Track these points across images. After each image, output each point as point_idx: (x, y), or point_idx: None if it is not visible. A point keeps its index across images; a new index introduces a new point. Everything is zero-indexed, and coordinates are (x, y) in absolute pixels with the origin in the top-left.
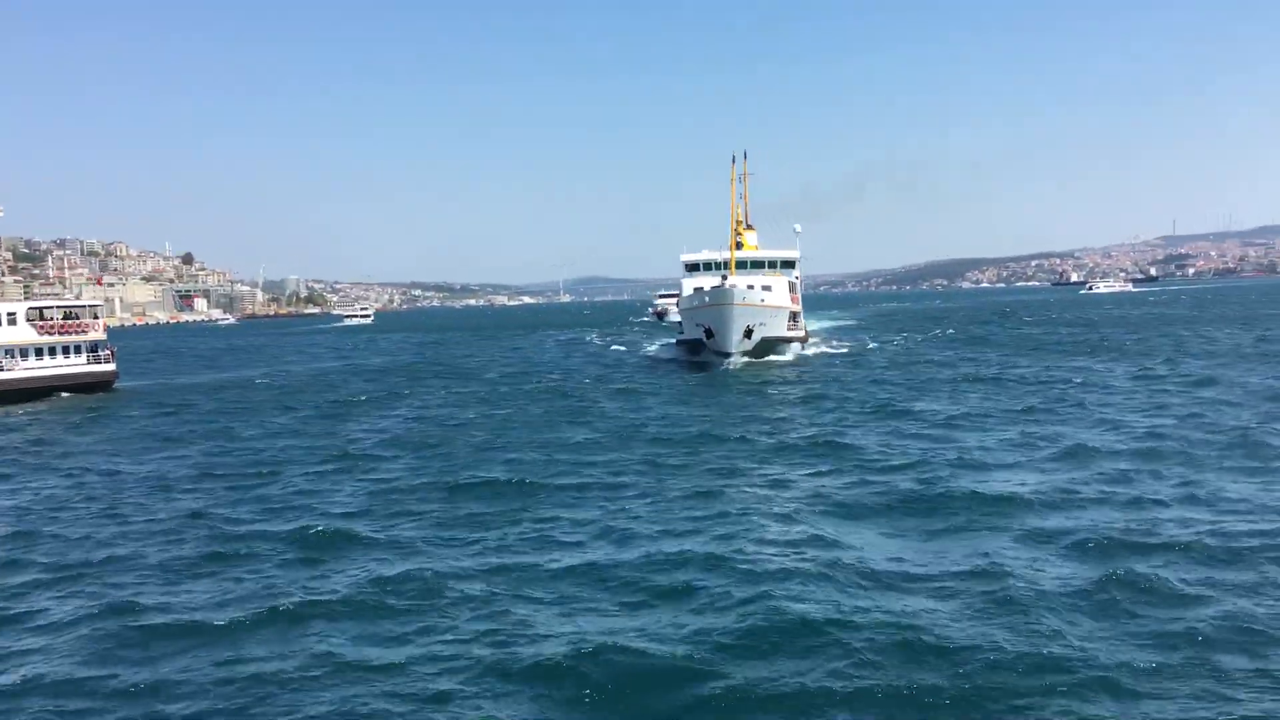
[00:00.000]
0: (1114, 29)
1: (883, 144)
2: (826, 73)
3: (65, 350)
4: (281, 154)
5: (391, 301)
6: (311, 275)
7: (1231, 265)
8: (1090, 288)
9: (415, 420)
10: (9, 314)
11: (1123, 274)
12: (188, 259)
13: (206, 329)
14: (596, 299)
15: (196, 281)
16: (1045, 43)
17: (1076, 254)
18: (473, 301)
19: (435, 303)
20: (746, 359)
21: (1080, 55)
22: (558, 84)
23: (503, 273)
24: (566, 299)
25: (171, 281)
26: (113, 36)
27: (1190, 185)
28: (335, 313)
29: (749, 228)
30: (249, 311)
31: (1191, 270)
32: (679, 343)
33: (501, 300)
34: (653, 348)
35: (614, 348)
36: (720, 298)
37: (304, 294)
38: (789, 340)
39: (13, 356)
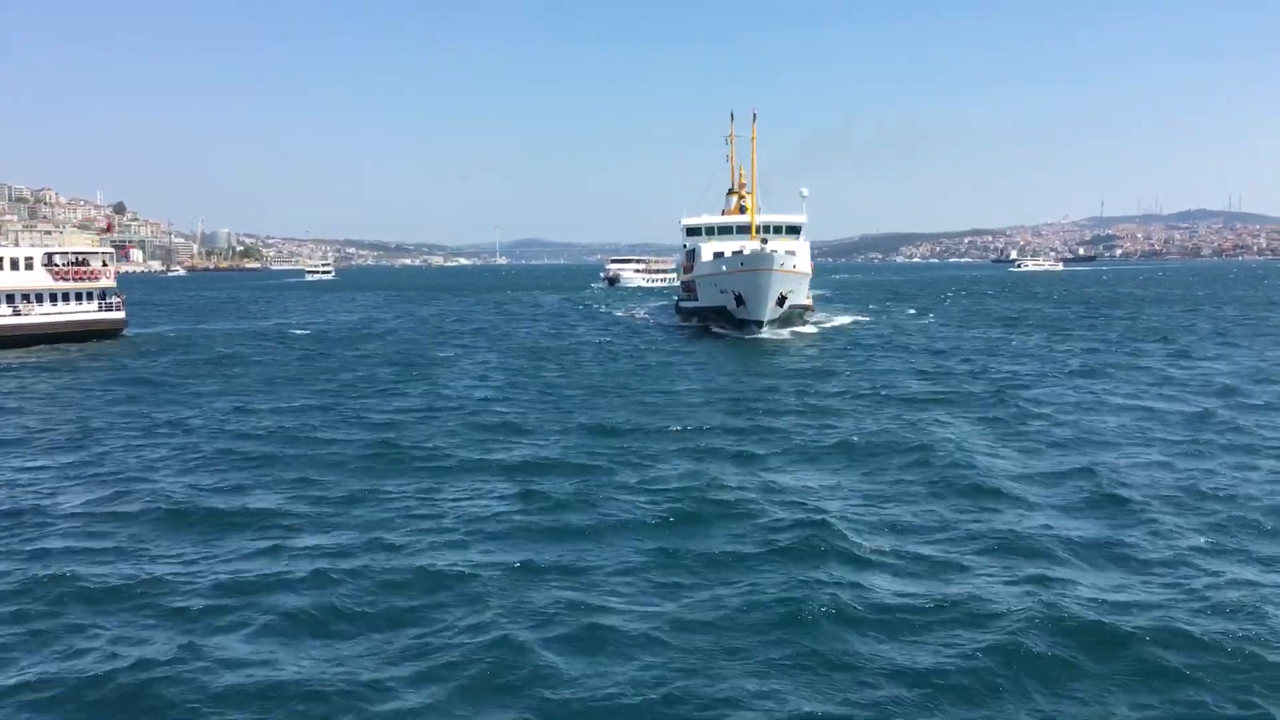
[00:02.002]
0: (1047, 10)
1: (823, 116)
2: (760, 43)
3: (78, 296)
4: (210, 107)
5: (326, 258)
6: (242, 229)
7: (1157, 248)
8: (1019, 265)
9: (548, 375)
10: (26, 258)
11: (1053, 253)
12: (120, 208)
13: (159, 280)
14: (533, 262)
15: (130, 232)
16: (981, 22)
17: (1008, 232)
18: (408, 261)
19: (370, 261)
20: (774, 328)
21: (1012, 37)
22: (492, 45)
23: (437, 232)
24: (503, 261)
25: (104, 232)
26: None
27: (1118, 168)
28: (275, 268)
29: (733, 193)
30: (188, 264)
31: (1119, 251)
32: (690, 310)
33: (438, 261)
34: (645, 313)
35: (615, 313)
36: (758, 262)
37: (239, 248)
38: (807, 309)
39: (29, 301)
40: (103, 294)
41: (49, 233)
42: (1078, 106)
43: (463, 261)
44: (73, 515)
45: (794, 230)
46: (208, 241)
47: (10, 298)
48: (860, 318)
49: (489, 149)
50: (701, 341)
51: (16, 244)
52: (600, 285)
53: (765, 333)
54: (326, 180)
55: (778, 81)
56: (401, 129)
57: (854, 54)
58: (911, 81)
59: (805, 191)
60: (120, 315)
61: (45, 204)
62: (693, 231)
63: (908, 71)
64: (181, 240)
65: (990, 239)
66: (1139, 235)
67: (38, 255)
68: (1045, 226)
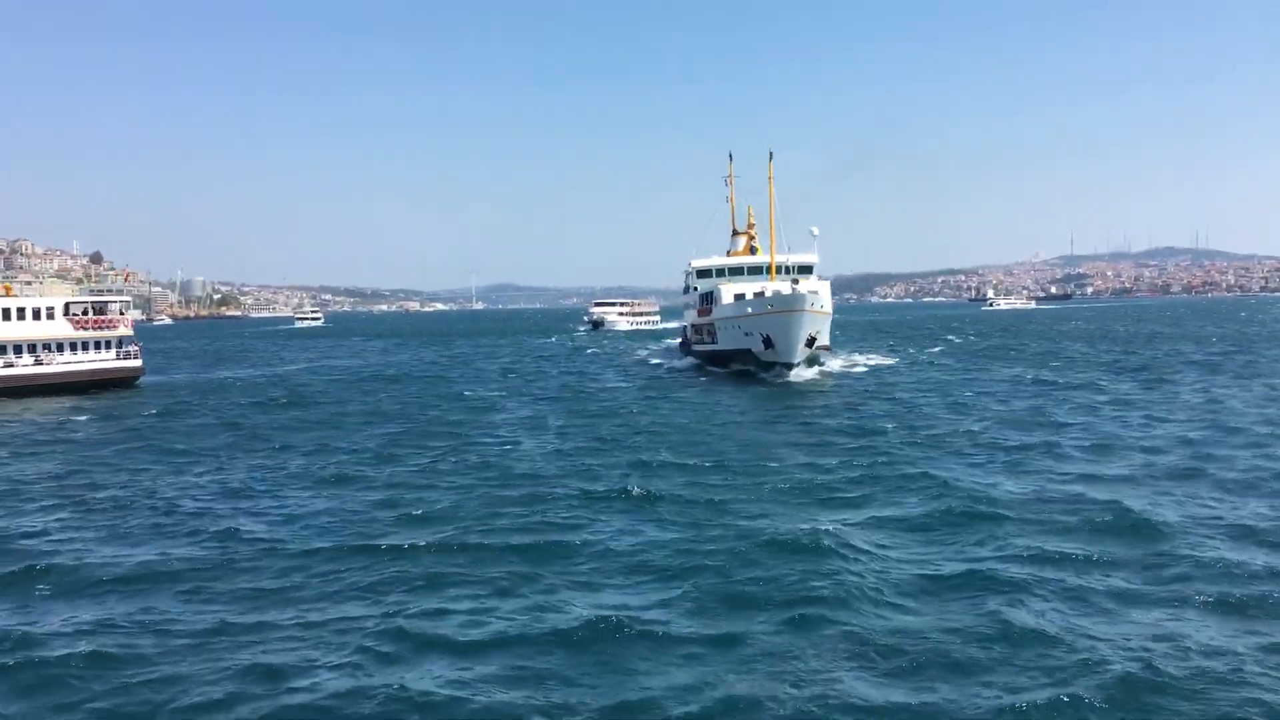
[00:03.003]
0: (1020, 39)
1: (800, 153)
2: (723, 87)
3: (97, 345)
4: (179, 155)
5: (302, 305)
6: (217, 277)
7: (1127, 285)
8: (991, 304)
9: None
10: (48, 308)
11: (1025, 291)
12: (96, 258)
13: (145, 330)
14: (509, 306)
15: (107, 281)
16: (948, 48)
17: (981, 271)
18: (385, 307)
19: (347, 307)
20: (799, 370)
21: (979, 63)
22: (464, 91)
23: (412, 278)
24: (479, 306)
25: (80, 281)
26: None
27: (1087, 205)
28: (254, 315)
29: (740, 233)
30: (168, 312)
31: (1090, 289)
32: (708, 354)
33: (414, 306)
34: (660, 358)
35: (620, 357)
36: (789, 303)
37: (216, 296)
38: (826, 349)
39: (50, 351)
40: (120, 342)
41: (29, 283)
42: (1045, 137)
43: (439, 306)
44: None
45: (807, 270)
46: (184, 290)
47: (32, 347)
48: (883, 359)
49: (462, 194)
50: (737, 385)
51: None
52: (584, 329)
53: (794, 375)
54: (299, 226)
55: (758, 119)
56: (373, 175)
57: (827, 87)
58: (873, 109)
59: (815, 230)
60: (138, 363)
61: (21, 254)
62: (703, 274)
63: (865, 100)
64: (159, 289)
65: (963, 278)
66: (1109, 273)
67: (59, 304)
68: (1017, 265)
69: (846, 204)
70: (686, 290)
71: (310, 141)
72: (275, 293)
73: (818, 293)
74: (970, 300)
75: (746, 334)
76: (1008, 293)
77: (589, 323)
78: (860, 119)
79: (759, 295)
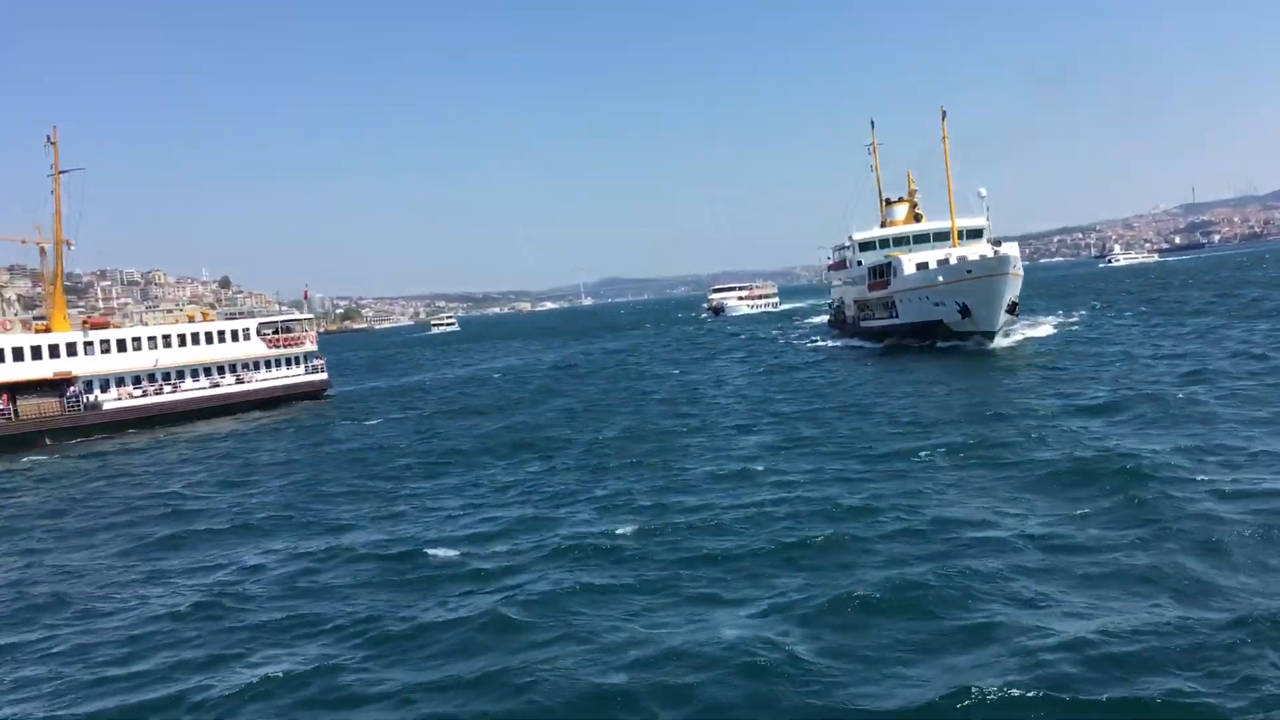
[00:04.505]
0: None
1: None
2: (827, 62)
3: (288, 362)
4: (282, 175)
5: (418, 314)
6: (334, 293)
7: (1257, 230)
8: (1110, 261)
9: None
10: (244, 330)
11: (1147, 244)
12: (224, 283)
13: None
14: (617, 300)
15: (235, 304)
16: (1054, 15)
17: (1098, 226)
18: (497, 310)
19: (461, 313)
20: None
21: (1092, 24)
22: (559, 99)
23: (520, 279)
24: (589, 302)
25: (213, 306)
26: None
27: (1208, 151)
28: (378, 327)
29: (900, 200)
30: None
31: (1216, 237)
32: (882, 330)
33: (525, 307)
34: (818, 338)
35: (779, 340)
36: (993, 268)
37: (338, 311)
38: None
39: (248, 369)
40: (306, 357)
41: (169, 311)
42: (1164, 89)
43: (549, 305)
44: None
45: (976, 234)
46: (299, 307)
47: (233, 367)
48: (1063, 320)
49: (564, 191)
50: (944, 360)
51: (142, 323)
52: (705, 315)
53: (997, 344)
54: (406, 237)
55: (886, 92)
56: (475, 181)
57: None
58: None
59: (983, 191)
60: (324, 376)
61: (155, 284)
62: (867, 246)
63: (976, 77)
64: (284, 308)
65: (1080, 236)
66: (1235, 219)
67: (253, 326)
68: (1136, 218)
69: (968, 166)
70: (845, 264)
71: (414, 153)
72: (391, 304)
73: (1017, 256)
74: (1095, 258)
75: (937, 304)
76: (1128, 246)
77: (708, 309)
78: (976, 83)
79: (947, 262)
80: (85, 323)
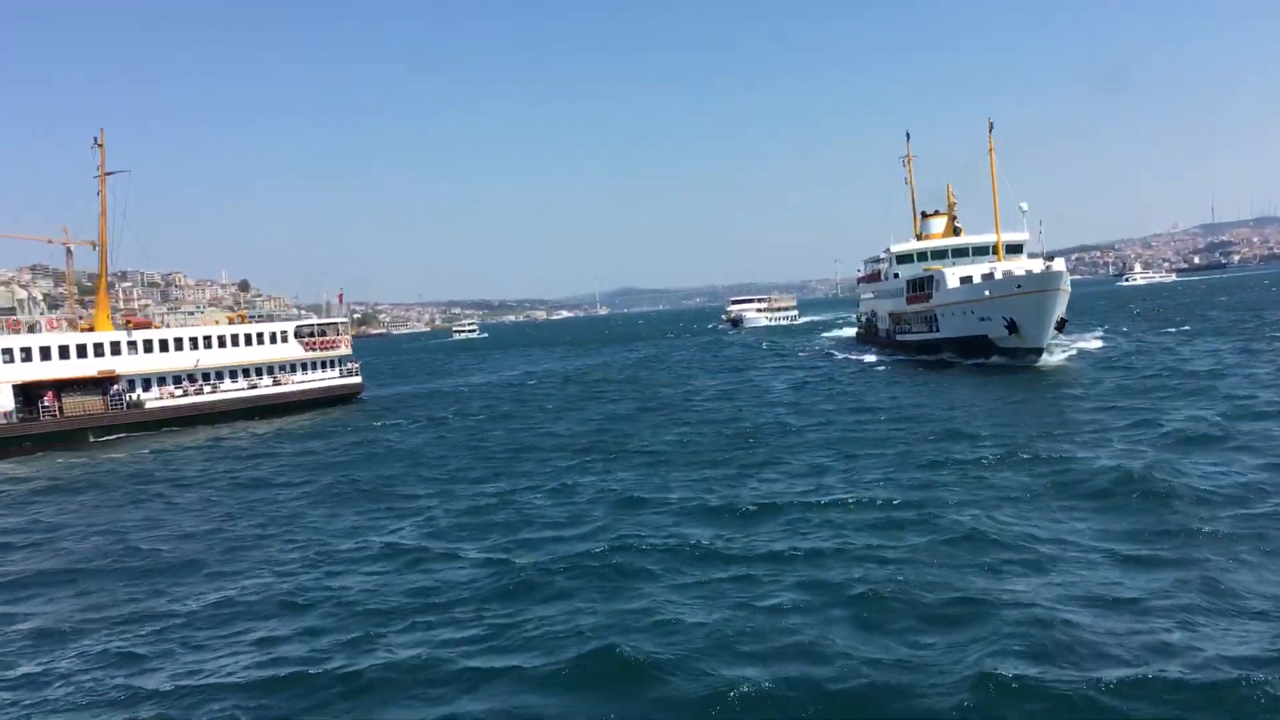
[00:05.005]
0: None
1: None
2: (844, 82)
3: (323, 365)
4: (298, 180)
5: (434, 321)
6: (351, 298)
7: (1277, 251)
8: (1128, 280)
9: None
10: (281, 333)
11: (1165, 264)
12: (244, 286)
13: None
14: (633, 309)
15: (254, 307)
16: (1060, 33)
17: (1116, 245)
18: (512, 318)
19: (469, 321)
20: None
21: (1103, 43)
22: (575, 104)
23: (535, 287)
24: (604, 312)
25: (231, 308)
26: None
27: (1227, 170)
28: (396, 332)
29: (938, 213)
30: None
31: (1236, 257)
32: (923, 344)
33: (541, 315)
34: (846, 352)
35: (799, 352)
36: (1044, 283)
37: (355, 316)
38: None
39: (286, 371)
40: (342, 360)
41: (192, 313)
42: (1182, 107)
43: (565, 314)
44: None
45: (1017, 249)
46: (317, 312)
47: (270, 369)
48: (1102, 340)
49: (580, 199)
50: (998, 377)
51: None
52: (723, 326)
53: (1042, 361)
54: (421, 243)
55: (916, 109)
56: (493, 187)
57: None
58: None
59: (1025, 206)
60: (358, 380)
61: (176, 286)
62: (904, 259)
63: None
64: (303, 312)
65: (1099, 254)
66: (1254, 239)
67: (290, 329)
68: (1154, 237)
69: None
70: (879, 277)
71: (430, 157)
72: (408, 309)
73: (1065, 272)
74: (1113, 276)
75: (983, 319)
76: (1147, 266)
77: (727, 321)
78: (991, 99)
79: (992, 276)
80: (128, 323)
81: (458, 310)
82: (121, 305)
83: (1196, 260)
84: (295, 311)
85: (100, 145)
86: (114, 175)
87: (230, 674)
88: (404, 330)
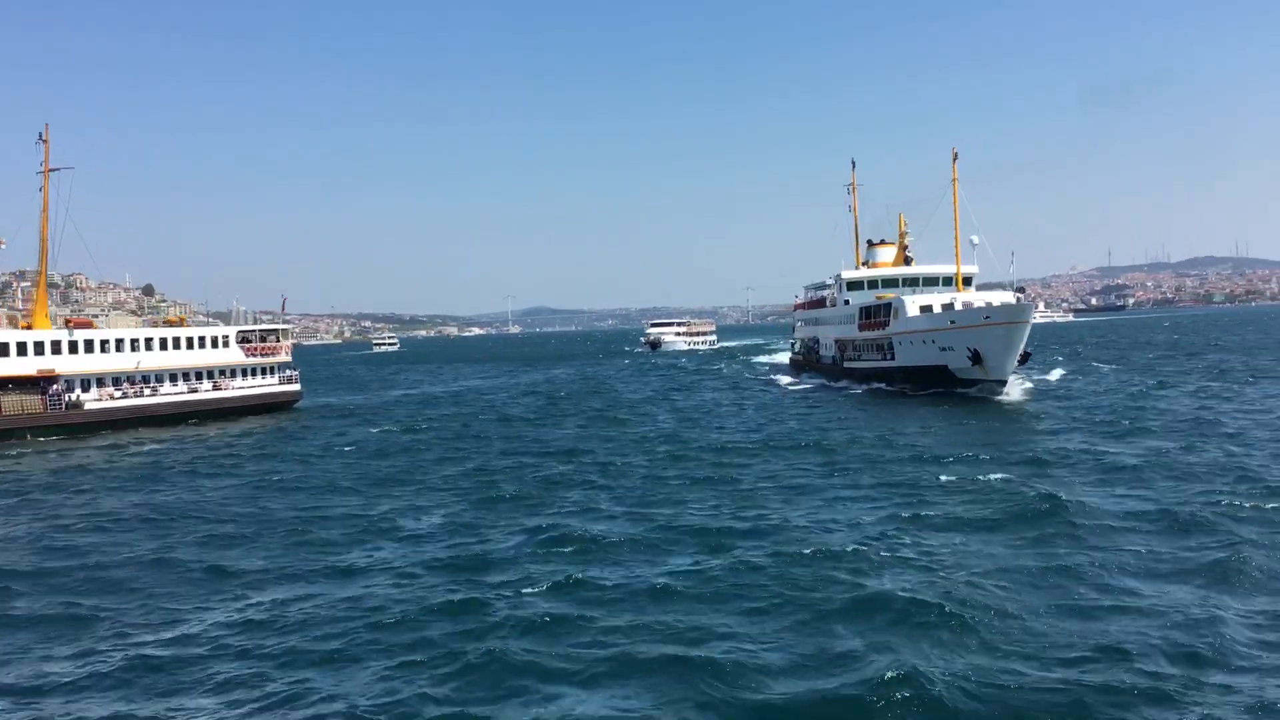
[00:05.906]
0: (1044, 51)
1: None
2: (775, 108)
3: (263, 371)
4: (207, 185)
5: (343, 333)
6: (257, 307)
7: (1169, 295)
8: None
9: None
10: (223, 337)
11: (1064, 304)
12: (148, 290)
13: None
14: (545, 329)
15: (160, 312)
16: (981, 77)
17: (1015, 284)
18: (424, 333)
19: (388, 334)
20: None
21: (1011, 86)
22: (490, 121)
23: (448, 303)
24: (516, 330)
25: (135, 314)
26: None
27: (1124, 217)
28: (307, 344)
29: (884, 243)
30: None
31: (1131, 301)
32: (874, 371)
33: (452, 331)
34: (784, 376)
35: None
36: (1012, 314)
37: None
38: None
39: (226, 376)
40: (282, 367)
41: (95, 316)
42: (1078, 148)
43: (477, 331)
44: None
45: (967, 281)
46: (222, 319)
47: (210, 373)
48: (1049, 373)
49: (493, 219)
50: (969, 408)
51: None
52: (642, 349)
53: (1008, 395)
54: (332, 254)
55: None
56: (407, 202)
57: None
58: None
59: (976, 239)
60: (297, 388)
61: (76, 288)
62: (855, 285)
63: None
64: (209, 320)
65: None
66: (1148, 284)
67: (232, 333)
68: (1054, 278)
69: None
70: (825, 303)
71: (342, 169)
72: (317, 320)
73: (1030, 305)
74: None
75: (944, 349)
76: (1047, 305)
77: (645, 343)
78: (912, 140)
79: (954, 306)
80: (68, 322)
81: (368, 323)
82: (20, 305)
83: (1094, 301)
84: (203, 318)
85: (45, 141)
86: (59, 172)
87: None
88: (315, 341)
